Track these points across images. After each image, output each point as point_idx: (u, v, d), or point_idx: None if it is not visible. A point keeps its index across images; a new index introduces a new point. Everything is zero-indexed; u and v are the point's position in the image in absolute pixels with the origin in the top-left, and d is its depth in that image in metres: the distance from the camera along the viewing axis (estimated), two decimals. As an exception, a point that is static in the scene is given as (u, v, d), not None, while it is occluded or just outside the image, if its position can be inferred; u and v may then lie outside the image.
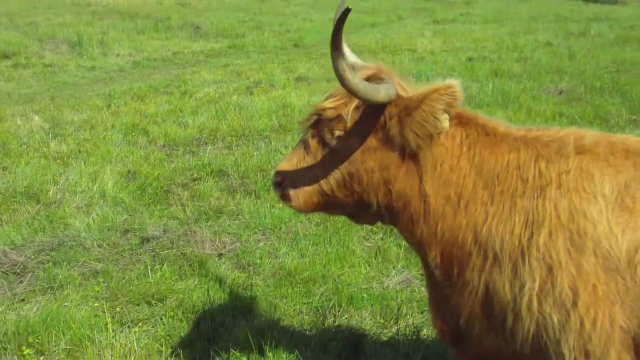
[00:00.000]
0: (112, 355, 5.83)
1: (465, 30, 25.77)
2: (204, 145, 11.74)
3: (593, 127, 12.15)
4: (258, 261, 7.51)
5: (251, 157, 10.80)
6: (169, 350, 5.98)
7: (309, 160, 3.97)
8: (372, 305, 6.63)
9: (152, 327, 6.40)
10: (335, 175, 3.89)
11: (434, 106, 3.55)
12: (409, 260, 7.39)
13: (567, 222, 3.45)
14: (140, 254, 7.74)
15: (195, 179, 10.06)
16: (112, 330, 6.20)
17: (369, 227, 8.06)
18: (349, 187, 3.91)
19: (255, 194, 9.37)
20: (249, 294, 6.82)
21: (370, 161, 3.80)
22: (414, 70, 17.37)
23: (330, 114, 3.81)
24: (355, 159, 3.82)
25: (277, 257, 7.64)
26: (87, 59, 21.97)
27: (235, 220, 8.63)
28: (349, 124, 3.77)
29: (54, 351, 5.93)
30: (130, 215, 8.82)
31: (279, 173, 4.04)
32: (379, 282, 7.06)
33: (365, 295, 6.76)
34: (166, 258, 7.56)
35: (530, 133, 3.79)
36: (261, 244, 7.97)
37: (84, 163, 10.60)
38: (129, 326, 6.37)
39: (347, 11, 3.33)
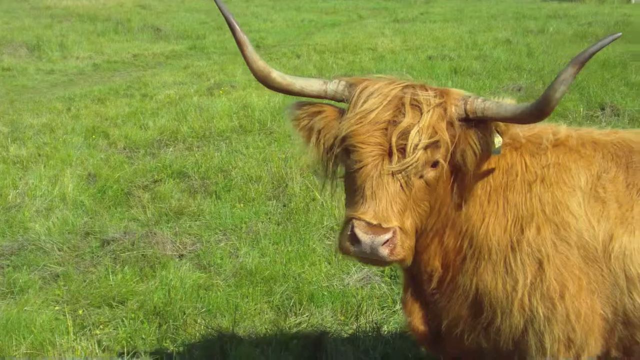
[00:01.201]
0: (73, 358, 5.83)
1: (425, 29, 25.87)
2: (164, 147, 11.73)
3: (551, 123, 12.28)
4: (219, 261, 7.53)
5: (212, 158, 10.81)
6: (131, 352, 5.98)
7: (405, 200, 3.42)
8: (332, 303, 6.68)
9: (114, 329, 6.39)
10: (426, 208, 3.57)
11: (492, 127, 3.52)
12: (369, 258, 7.43)
13: (552, 216, 3.57)
14: (100, 257, 7.74)
15: (156, 181, 10.06)
16: (74, 334, 6.19)
17: (329, 225, 8.15)
18: (427, 216, 3.64)
19: (215, 194, 9.38)
20: (210, 294, 6.84)
21: (444, 184, 3.64)
22: (374, 69, 17.45)
23: (442, 143, 3.43)
24: (440, 184, 3.59)
25: (238, 257, 7.66)
26: (47, 62, 21.77)
27: (196, 221, 8.65)
28: (449, 147, 3.47)
29: (15, 355, 5.90)
30: (90, 218, 8.80)
31: (386, 227, 3.31)
32: (340, 280, 7.11)
33: (325, 293, 6.81)
34: (127, 260, 7.56)
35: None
36: (222, 244, 7.99)
37: (44, 167, 10.54)
38: (90, 329, 6.37)
39: (616, 36, 3.25)
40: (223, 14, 3.65)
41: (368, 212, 3.30)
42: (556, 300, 3.51)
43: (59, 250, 7.86)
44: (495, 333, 3.71)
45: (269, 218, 8.61)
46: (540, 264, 3.54)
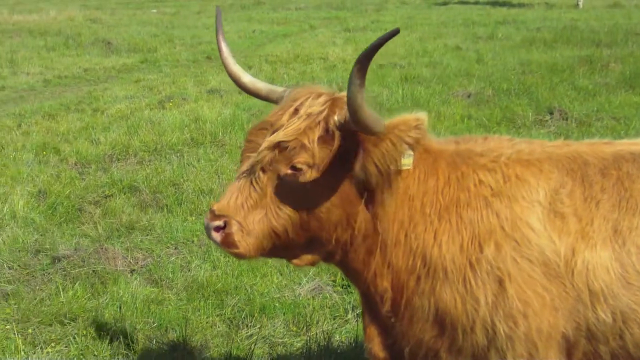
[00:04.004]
0: (23, 377, 5.81)
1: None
2: (116, 162, 11.67)
3: (500, 128, 12.49)
4: (170, 275, 7.53)
5: (163, 171, 10.79)
6: (82, 369, 5.98)
7: (257, 198, 3.48)
8: (284, 314, 6.72)
9: (65, 347, 6.36)
10: (291, 214, 3.51)
11: (401, 137, 3.37)
12: (320, 268, 7.46)
13: (512, 232, 3.51)
14: (51, 274, 7.66)
15: (107, 196, 10.00)
16: (24, 352, 6.16)
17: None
18: (305, 225, 3.55)
19: (167, 208, 9.37)
20: (162, 308, 6.84)
21: (333, 196, 3.50)
22: (325, 79, 17.52)
23: (293, 144, 3.40)
24: (317, 194, 3.48)
25: (189, 270, 7.66)
26: (-4, 78, 21.55)
27: (147, 235, 8.63)
28: (315, 155, 3.41)
29: (-36, 376, 5.87)
30: (41, 235, 8.71)
31: (218, 215, 3.49)
32: (291, 291, 7.14)
33: (277, 305, 6.84)
34: (78, 277, 7.51)
35: (460, 146, 3.83)
36: (173, 258, 7.98)
37: (-6, 185, 10.45)
38: (41, 347, 6.33)
39: (395, 32, 3.16)
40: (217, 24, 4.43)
41: (217, 204, 3.54)
42: (519, 319, 3.48)
43: (9, 269, 7.79)
44: (458, 352, 3.66)
45: (220, 229, 8.59)
46: (501, 282, 3.48)
